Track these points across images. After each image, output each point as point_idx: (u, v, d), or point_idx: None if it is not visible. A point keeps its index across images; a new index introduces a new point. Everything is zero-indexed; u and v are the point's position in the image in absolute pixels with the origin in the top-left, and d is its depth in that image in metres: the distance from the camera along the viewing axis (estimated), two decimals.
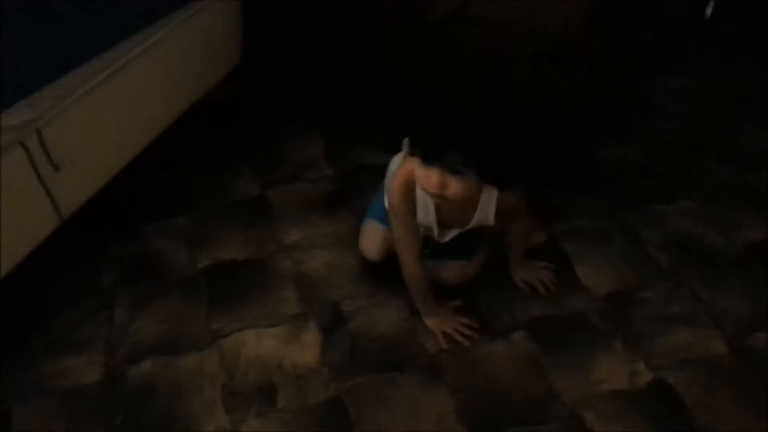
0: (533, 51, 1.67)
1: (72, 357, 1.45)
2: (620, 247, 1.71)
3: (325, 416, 1.36)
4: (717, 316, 1.55)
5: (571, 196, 1.84)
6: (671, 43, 2.32)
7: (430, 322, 1.51)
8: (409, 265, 1.45)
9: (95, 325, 1.51)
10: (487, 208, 1.41)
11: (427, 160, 1.23)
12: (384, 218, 1.56)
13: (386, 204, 1.52)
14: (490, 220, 1.44)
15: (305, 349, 1.47)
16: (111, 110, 1.54)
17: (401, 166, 1.40)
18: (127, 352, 1.47)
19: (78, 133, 1.47)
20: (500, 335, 1.51)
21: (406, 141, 1.33)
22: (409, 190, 1.39)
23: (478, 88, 1.77)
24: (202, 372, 1.43)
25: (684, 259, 1.68)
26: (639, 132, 2.07)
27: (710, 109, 2.16)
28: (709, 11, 2.39)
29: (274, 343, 1.49)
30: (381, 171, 1.90)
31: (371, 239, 1.60)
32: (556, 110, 1.75)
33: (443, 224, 1.46)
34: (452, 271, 1.56)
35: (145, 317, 1.53)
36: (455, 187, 1.24)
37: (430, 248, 1.51)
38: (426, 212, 1.43)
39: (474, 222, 1.45)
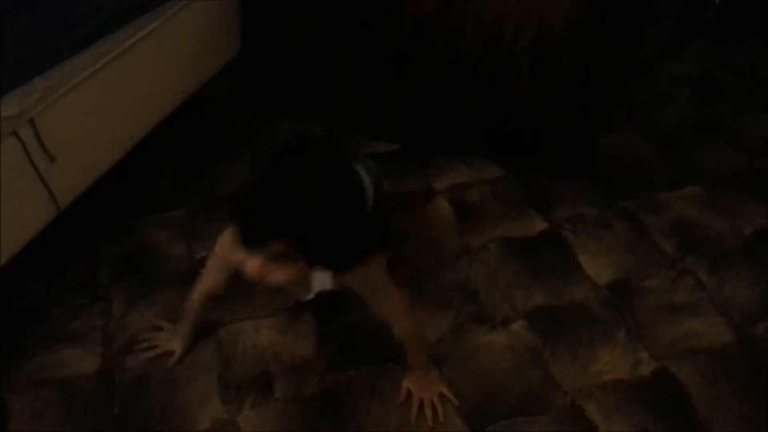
0: (531, 41, 1.65)
1: (69, 348, 1.45)
2: (624, 235, 1.68)
3: (320, 407, 1.35)
4: (723, 305, 1.52)
5: (574, 184, 1.81)
6: (677, 29, 2.28)
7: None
8: None
9: (92, 317, 1.51)
10: (321, 283, 1.25)
11: (249, 245, 1.01)
12: None
13: None
14: (328, 287, 1.26)
15: (301, 340, 1.46)
16: (106, 101, 1.52)
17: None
18: (124, 344, 1.46)
19: (73, 123, 1.46)
20: (499, 325, 1.48)
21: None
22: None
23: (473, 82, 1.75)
24: (198, 363, 1.43)
25: (689, 246, 1.65)
26: (644, 118, 2.03)
27: (716, 95, 2.12)
28: None
29: (270, 334, 1.47)
30: (381, 160, 1.89)
31: None
32: (558, 97, 1.73)
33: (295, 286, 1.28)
34: None
35: (142, 309, 1.53)
36: (279, 275, 1.04)
37: None
38: None
39: (315, 291, 1.30)
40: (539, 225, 1.71)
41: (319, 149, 1.09)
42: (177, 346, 1.43)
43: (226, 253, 1.19)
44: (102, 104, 1.52)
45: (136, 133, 1.64)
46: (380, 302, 1.26)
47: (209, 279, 1.35)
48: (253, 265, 1.02)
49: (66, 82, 1.40)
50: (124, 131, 1.61)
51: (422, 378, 1.36)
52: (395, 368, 1.40)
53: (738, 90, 2.15)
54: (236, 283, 1.57)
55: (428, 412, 1.32)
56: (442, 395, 1.35)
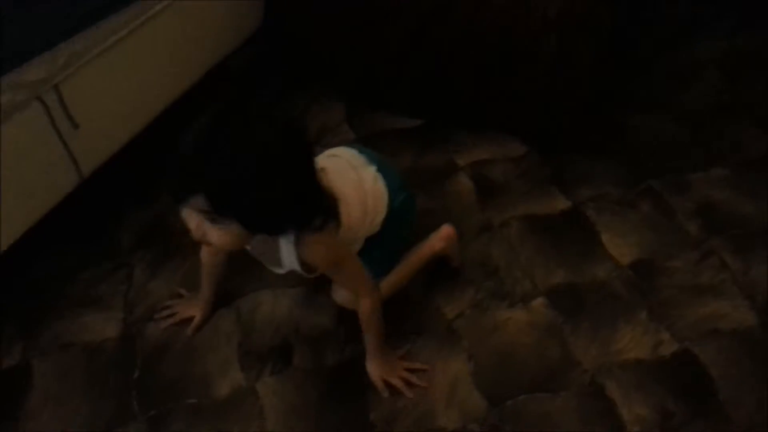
0: (558, 13, 1.61)
1: (91, 313, 1.47)
2: (648, 215, 1.65)
3: (339, 377, 1.36)
4: (747, 287, 1.49)
5: (599, 162, 1.78)
6: (704, 8, 2.23)
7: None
8: None
9: (114, 284, 1.52)
10: (290, 257, 1.16)
11: (178, 201, 0.99)
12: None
13: None
14: (299, 268, 1.18)
15: (321, 311, 1.46)
16: (131, 69, 1.52)
17: None
18: (145, 310, 1.47)
19: (97, 90, 1.46)
20: (520, 302, 1.48)
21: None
22: None
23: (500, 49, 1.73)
24: (218, 330, 1.44)
25: (715, 228, 1.62)
26: (672, 98, 1.99)
27: (746, 76, 2.07)
28: None
29: (290, 304, 1.48)
30: (403, 135, 1.89)
31: None
32: (584, 72, 1.70)
33: (268, 261, 1.25)
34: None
35: (164, 277, 1.54)
36: (214, 236, 1.00)
37: None
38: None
39: (287, 267, 1.20)
40: (562, 203, 1.69)
41: (256, 116, 1.01)
42: (196, 312, 1.44)
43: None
44: (127, 72, 1.52)
45: (159, 102, 1.64)
46: (344, 279, 1.27)
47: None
48: (190, 221, 1.00)
49: (91, 49, 1.40)
50: (149, 100, 1.61)
51: (383, 365, 1.33)
52: (417, 339, 1.41)
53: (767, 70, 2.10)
54: None
55: (405, 391, 1.32)
56: (408, 369, 1.35)
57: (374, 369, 1.34)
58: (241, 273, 1.53)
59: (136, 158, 1.60)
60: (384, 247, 1.35)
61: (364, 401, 1.32)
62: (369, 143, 1.85)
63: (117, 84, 1.51)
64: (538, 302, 1.47)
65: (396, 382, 1.33)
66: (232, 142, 0.94)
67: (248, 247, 1.22)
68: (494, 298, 1.48)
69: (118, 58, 1.47)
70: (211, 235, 1.00)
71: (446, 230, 1.47)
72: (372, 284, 1.28)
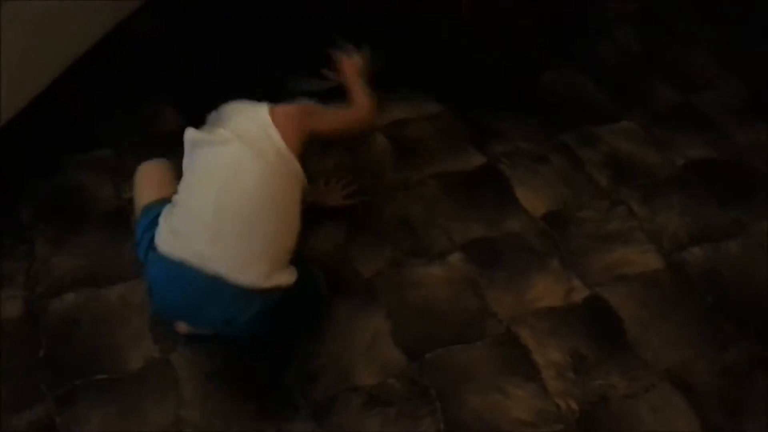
0: None
1: None
2: (560, 168, 1.69)
3: (255, 342, 1.33)
4: (654, 233, 1.55)
5: (513, 119, 1.80)
6: None
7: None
8: None
9: (15, 260, 1.44)
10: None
11: None
12: None
13: None
14: None
15: None
16: (22, 31, 1.43)
17: None
18: (49, 286, 1.40)
19: None
20: (437, 257, 1.48)
21: None
22: None
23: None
24: (128, 303, 1.38)
25: (623, 178, 1.67)
26: (585, 54, 2.03)
27: (657, 32, 2.13)
28: None
29: None
30: (315, 99, 1.84)
31: None
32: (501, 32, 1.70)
33: None
34: None
35: (68, 250, 1.46)
36: None
37: None
38: None
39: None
40: (477, 160, 1.70)
41: None
42: None
43: None
44: (18, 34, 1.42)
45: (56, 65, 1.55)
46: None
47: None
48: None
49: None
50: (44, 63, 1.52)
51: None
52: (336, 299, 1.39)
53: (679, 26, 2.17)
54: None
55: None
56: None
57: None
58: None
59: (35, 126, 1.51)
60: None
61: (280, 363, 1.30)
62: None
63: (9, 46, 1.40)
64: (455, 257, 1.49)
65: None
66: None
67: None
68: (412, 256, 1.48)
69: (8, 19, 1.37)
70: None
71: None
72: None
